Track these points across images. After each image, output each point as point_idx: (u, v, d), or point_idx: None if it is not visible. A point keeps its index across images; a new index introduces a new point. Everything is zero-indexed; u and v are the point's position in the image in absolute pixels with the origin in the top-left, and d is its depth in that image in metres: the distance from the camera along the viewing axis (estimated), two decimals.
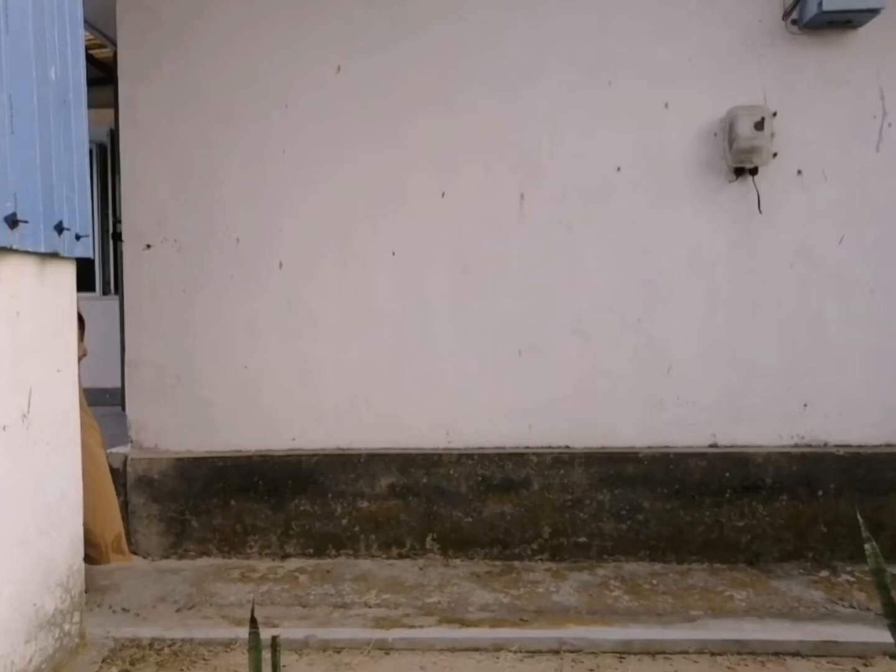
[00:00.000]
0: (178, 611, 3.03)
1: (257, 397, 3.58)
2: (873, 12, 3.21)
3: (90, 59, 5.12)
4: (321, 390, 3.58)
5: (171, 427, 3.62)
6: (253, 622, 1.92)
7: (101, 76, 5.14)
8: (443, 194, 3.52)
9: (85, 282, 6.11)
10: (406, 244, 3.55)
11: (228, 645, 2.73)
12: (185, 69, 3.58)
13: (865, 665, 2.56)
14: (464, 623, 2.86)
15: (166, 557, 3.55)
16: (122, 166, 3.67)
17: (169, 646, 2.73)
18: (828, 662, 2.58)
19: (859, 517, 2.16)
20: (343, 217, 3.55)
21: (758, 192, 3.40)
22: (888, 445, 3.44)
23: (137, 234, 3.64)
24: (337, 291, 3.57)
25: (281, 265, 3.58)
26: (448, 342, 3.49)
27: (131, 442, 3.65)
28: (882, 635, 2.08)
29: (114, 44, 4.20)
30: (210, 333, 3.60)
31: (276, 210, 3.57)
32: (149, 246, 3.62)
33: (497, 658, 2.64)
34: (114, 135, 5.02)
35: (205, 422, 3.60)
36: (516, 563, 3.39)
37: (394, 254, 3.55)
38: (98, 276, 6.40)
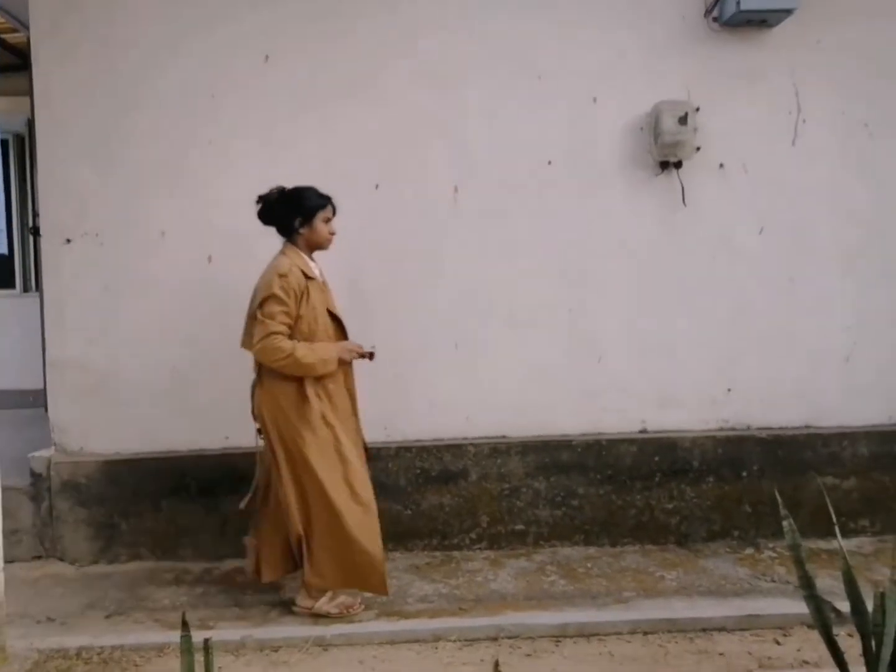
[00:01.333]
0: (107, 617, 2.94)
1: (188, 396, 3.49)
2: (787, 12, 3.35)
3: (3, 45, 4.89)
4: None
5: (98, 429, 3.50)
6: (185, 625, 1.89)
7: (17, 62, 4.89)
8: (377, 186, 3.50)
9: (4, 279, 5.86)
10: (340, 235, 3.50)
11: (161, 650, 2.68)
12: (104, 56, 3.44)
13: (785, 635, 2.70)
14: (403, 615, 2.87)
15: (95, 563, 3.44)
16: (38, 157, 3.50)
17: (98, 654, 2.65)
18: (751, 635, 2.71)
19: (778, 496, 2.27)
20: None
21: (682, 184, 3.51)
22: (806, 427, 3.62)
23: (57, 229, 3.48)
24: None
25: (210, 259, 3.49)
26: (384, 335, 3.47)
27: (55, 445, 3.51)
28: (800, 606, 2.19)
29: (27, 28, 4.00)
30: (137, 331, 3.49)
31: (204, 202, 3.47)
32: (69, 240, 3.47)
33: (436, 648, 2.67)
34: (31, 124, 4.79)
35: (133, 422, 3.49)
36: (455, 554, 3.42)
37: None
38: (18, 272, 6.10)
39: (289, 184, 3.25)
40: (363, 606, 2.92)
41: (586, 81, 3.50)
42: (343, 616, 2.86)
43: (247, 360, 3.48)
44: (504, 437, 3.53)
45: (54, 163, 3.47)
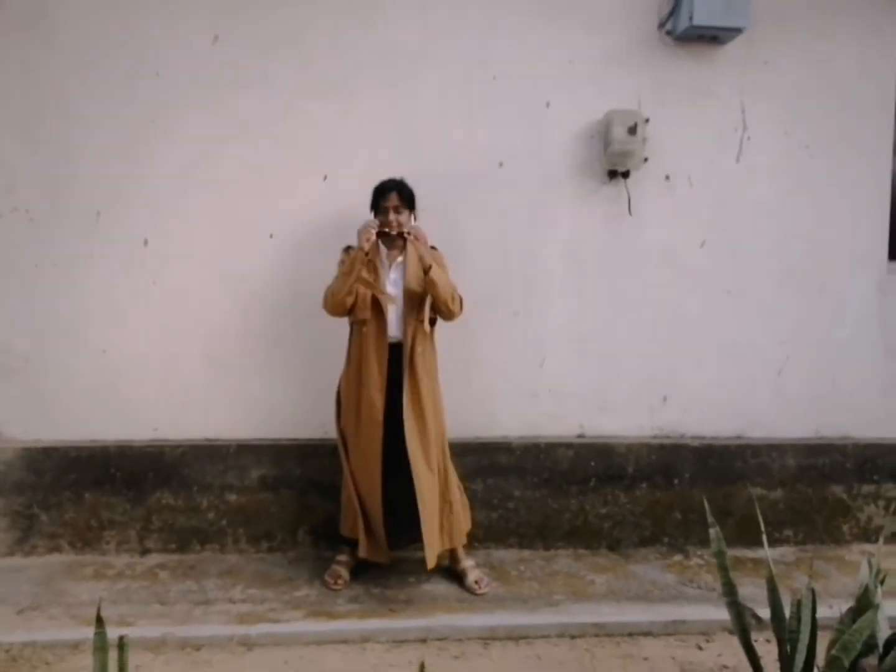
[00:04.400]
0: (19, 612, 2.80)
1: (116, 384, 3.36)
2: (738, 31, 3.42)
3: None
4: (189, 377, 3.41)
5: (18, 414, 3.34)
6: (99, 621, 1.81)
7: None
8: (325, 177, 3.43)
9: None
10: (285, 226, 3.44)
11: (76, 646, 2.58)
12: (42, 24, 3.27)
13: (707, 640, 2.76)
14: (332, 616, 2.82)
15: (10, 555, 3.28)
16: None
17: (6, 651, 2.54)
18: (675, 640, 2.76)
19: (707, 505, 2.32)
20: (216, 194, 3.38)
21: (629, 194, 3.55)
22: (738, 438, 3.71)
23: None
24: (208, 273, 3.40)
25: (146, 242, 3.37)
26: (325, 331, 3.41)
27: None
28: (723, 613, 2.25)
29: None
30: (64, 313, 3.34)
31: (143, 183, 3.35)
32: None
33: (364, 649, 2.64)
34: None
35: (56, 409, 3.34)
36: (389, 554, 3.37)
37: (271, 236, 3.43)
38: None
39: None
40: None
41: (541, 85, 3.50)
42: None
43: (180, 346, 3.38)
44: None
45: None
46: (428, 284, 2.93)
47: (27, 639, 2.59)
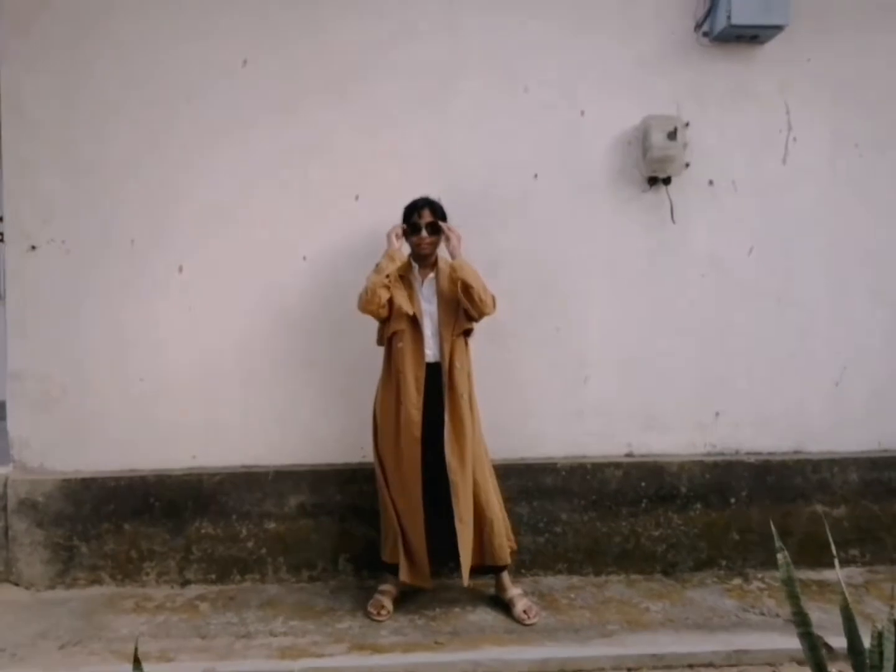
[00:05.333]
0: (61, 647, 2.76)
1: (154, 411, 3.33)
2: (778, 28, 3.29)
3: None
4: (225, 403, 3.36)
5: (58, 445, 3.32)
6: (137, 662, 1.73)
7: None
8: (357, 197, 3.38)
9: None
10: (318, 248, 3.39)
11: None
12: (78, 58, 3.30)
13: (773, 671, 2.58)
14: (376, 649, 2.71)
15: (52, 588, 3.25)
16: (3, 160, 3.34)
17: None
18: (738, 671, 2.59)
19: (773, 527, 2.16)
20: (249, 218, 3.35)
21: (671, 201, 3.42)
22: (796, 452, 3.52)
23: (22, 234, 3.32)
24: (243, 298, 3.37)
25: (181, 269, 3.35)
26: (361, 353, 3.33)
27: (13, 461, 3.33)
28: (790, 641, 2.08)
29: None
30: (101, 343, 3.33)
31: (176, 209, 3.34)
32: (34, 247, 3.32)
33: None
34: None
35: (95, 439, 3.32)
36: (433, 581, 3.25)
37: (305, 258, 3.38)
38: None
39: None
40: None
41: (574, 94, 3.41)
42: None
43: (216, 372, 3.34)
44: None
45: (21, 166, 3.32)
46: (456, 269, 2.88)
47: None
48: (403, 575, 2.95)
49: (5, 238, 3.36)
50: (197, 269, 3.36)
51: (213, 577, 3.29)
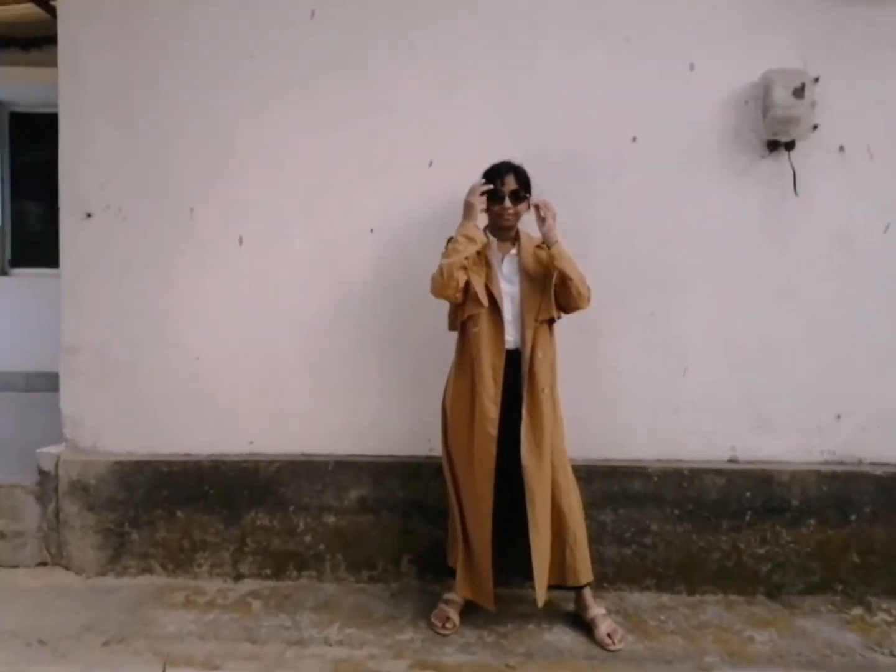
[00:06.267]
0: (104, 644, 2.57)
1: (211, 392, 3.11)
2: None
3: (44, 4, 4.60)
4: (285, 386, 3.11)
5: (112, 424, 3.15)
6: None
7: None
8: (430, 163, 3.05)
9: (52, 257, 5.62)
10: (387, 219, 3.08)
11: None
12: (135, 12, 3.08)
13: None
14: (440, 668, 2.42)
15: (103, 574, 3.09)
16: (60, 123, 3.16)
17: None
18: None
19: None
20: (314, 187, 3.07)
21: (794, 169, 2.95)
22: None
23: (77, 201, 3.14)
24: (306, 274, 3.10)
25: (241, 241, 3.10)
26: (432, 335, 3.02)
27: (66, 441, 3.18)
28: None
29: None
30: (157, 317, 3.13)
31: (238, 177, 3.08)
32: (89, 215, 3.13)
33: None
34: None
35: (149, 419, 3.14)
36: (502, 591, 2.91)
37: (372, 231, 3.08)
38: None
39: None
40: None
41: (682, 45, 2.97)
42: None
43: (276, 352, 3.10)
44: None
45: (77, 129, 3.13)
46: (555, 258, 2.53)
47: None
48: (461, 589, 2.66)
49: (60, 205, 3.18)
50: (257, 242, 3.10)
51: (268, 571, 3.07)
